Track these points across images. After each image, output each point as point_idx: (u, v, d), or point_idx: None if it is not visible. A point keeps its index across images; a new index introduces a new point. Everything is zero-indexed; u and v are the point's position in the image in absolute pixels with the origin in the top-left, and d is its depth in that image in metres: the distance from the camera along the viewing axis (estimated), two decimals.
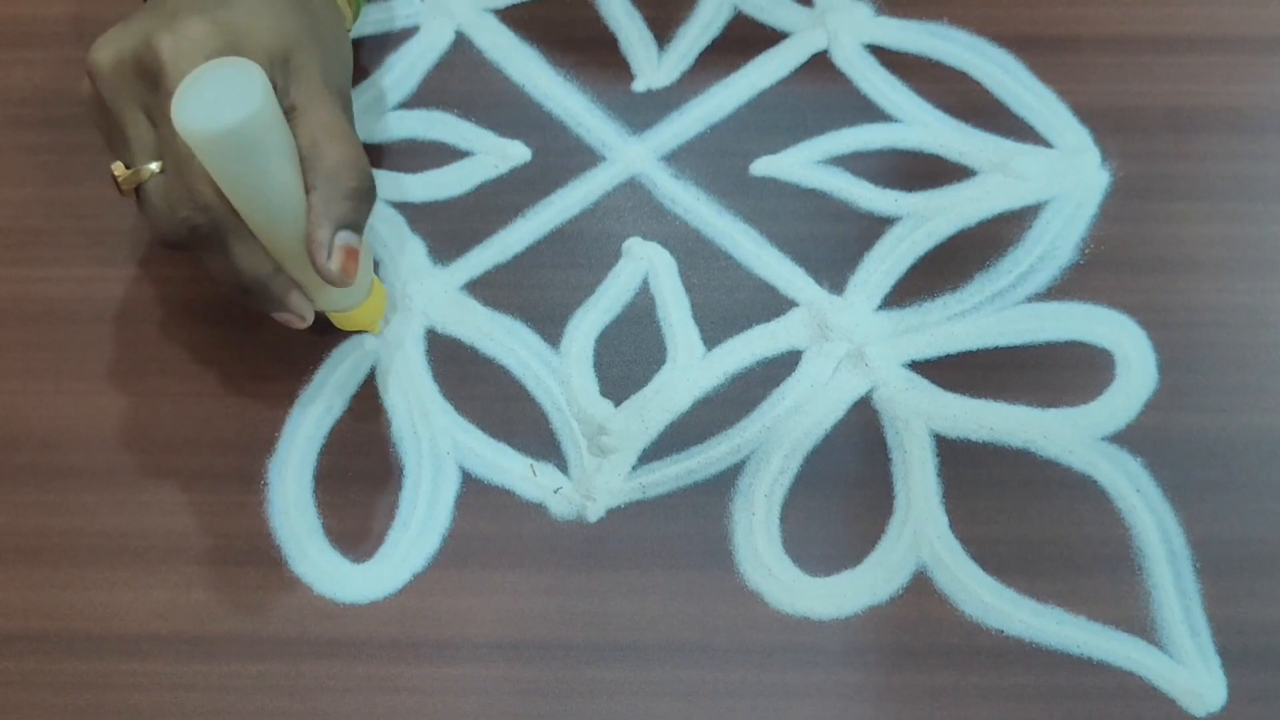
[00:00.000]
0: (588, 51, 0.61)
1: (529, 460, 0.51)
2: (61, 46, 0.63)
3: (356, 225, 0.47)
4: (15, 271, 0.56)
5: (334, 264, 0.46)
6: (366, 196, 0.48)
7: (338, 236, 0.46)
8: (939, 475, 0.50)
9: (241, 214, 0.46)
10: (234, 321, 0.54)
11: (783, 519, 0.50)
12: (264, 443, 0.52)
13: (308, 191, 0.47)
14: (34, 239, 0.57)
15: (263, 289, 0.48)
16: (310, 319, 0.50)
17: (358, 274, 0.47)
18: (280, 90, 0.48)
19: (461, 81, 0.61)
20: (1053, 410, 0.51)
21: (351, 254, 0.47)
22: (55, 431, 0.52)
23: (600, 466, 0.51)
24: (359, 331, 0.54)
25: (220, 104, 0.43)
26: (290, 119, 0.47)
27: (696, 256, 0.56)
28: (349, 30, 0.56)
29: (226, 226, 0.46)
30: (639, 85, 0.61)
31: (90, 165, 0.57)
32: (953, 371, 0.52)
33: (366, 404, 0.53)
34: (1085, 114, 0.59)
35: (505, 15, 0.63)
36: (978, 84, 0.60)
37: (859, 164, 0.58)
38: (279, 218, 0.46)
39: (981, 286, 0.54)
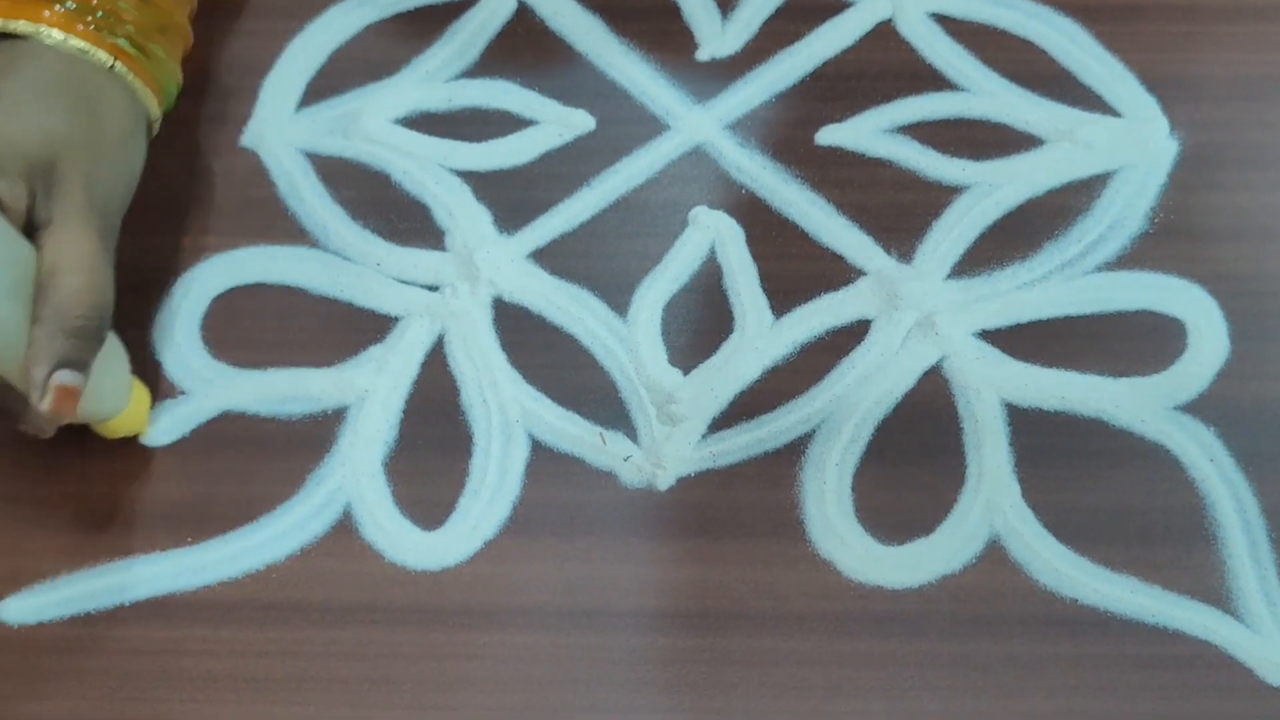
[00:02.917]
0: (650, 20, 0.61)
1: (598, 428, 0.51)
2: None
3: (78, 363, 0.44)
4: None
5: (45, 404, 0.44)
6: (93, 335, 0.45)
7: (56, 375, 0.44)
8: (1011, 444, 0.50)
9: None
10: (299, 293, 0.55)
11: (854, 488, 0.50)
12: (334, 411, 0.52)
13: (35, 322, 0.44)
14: None
15: None
16: (50, 433, 0.47)
17: (77, 409, 0.45)
18: (38, 201, 0.46)
19: (524, 50, 0.61)
20: (1124, 379, 0.51)
21: (67, 394, 0.44)
22: None
23: (670, 435, 0.51)
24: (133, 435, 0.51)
25: None
26: (40, 235, 0.45)
27: (763, 225, 0.55)
28: (152, 127, 0.53)
29: None
30: (702, 54, 0.60)
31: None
32: (1023, 340, 0.52)
33: (435, 372, 0.53)
34: (1152, 83, 0.59)
35: None
36: (1044, 53, 0.60)
37: (925, 133, 0.58)
38: (2, 347, 0.44)
39: (1051, 255, 0.54)
